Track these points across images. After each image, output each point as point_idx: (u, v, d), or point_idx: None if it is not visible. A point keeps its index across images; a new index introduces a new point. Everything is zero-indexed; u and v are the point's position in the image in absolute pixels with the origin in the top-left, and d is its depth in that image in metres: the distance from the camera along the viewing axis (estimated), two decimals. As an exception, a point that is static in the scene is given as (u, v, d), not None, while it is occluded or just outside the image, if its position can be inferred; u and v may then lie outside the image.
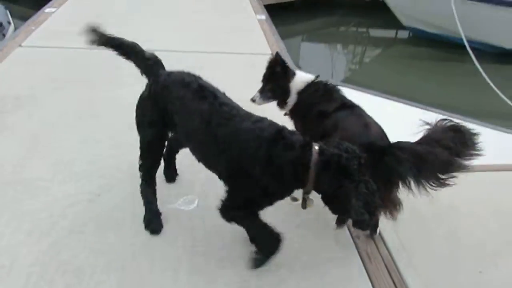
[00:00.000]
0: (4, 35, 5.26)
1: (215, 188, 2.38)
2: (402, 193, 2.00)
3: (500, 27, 6.97)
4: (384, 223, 2.29)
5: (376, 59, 8.28)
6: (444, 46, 7.33)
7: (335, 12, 9.37)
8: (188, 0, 6.32)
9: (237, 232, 2.12)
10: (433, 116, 3.50)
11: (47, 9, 5.27)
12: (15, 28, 5.61)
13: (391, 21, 8.07)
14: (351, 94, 3.75)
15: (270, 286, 1.89)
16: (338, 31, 9.37)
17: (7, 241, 2.00)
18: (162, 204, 2.29)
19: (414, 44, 8.15)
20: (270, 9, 6.80)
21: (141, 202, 2.29)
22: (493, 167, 2.88)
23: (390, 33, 8.99)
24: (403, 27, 8.19)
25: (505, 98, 4.76)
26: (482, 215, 2.46)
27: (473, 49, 6.03)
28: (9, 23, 5.61)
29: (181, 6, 6.01)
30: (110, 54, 4.28)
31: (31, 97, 3.27)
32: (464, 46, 6.02)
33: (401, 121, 3.46)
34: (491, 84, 4.98)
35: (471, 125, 3.40)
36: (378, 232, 2.22)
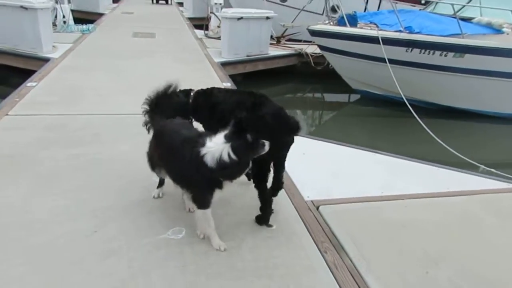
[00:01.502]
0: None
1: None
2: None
3: (435, 87, 8.11)
4: (346, 239, 2.72)
5: (332, 118, 9.15)
6: (390, 105, 8.31)
7: (291, 79, 10.41)
8: (158, 74, 6.93)
9: (221, 253, 2.48)
10: (381, 158, 4.13)
11: (28, 83, 5.68)
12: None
13: (346, 85, 9.11)
14: (311, 143, 4.37)
15: (254, 291, 2.22)
16: (296, 97, 10.31)
17: (15, 271, 2.23)
18: (153, 235, 2.61)
19: (364, 104, 9.13)
20: (235, 78, 7.58)
21: (135, 233, 2.60)
22: (433, 194, 3.44)
23: (344, 97, 10.01)
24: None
25: (440, 141, 5.52)
26: (426, 231, 2.92)
27: (413, 106, 6.94)
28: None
29: (155, 77, 6.60)
30: (87, 119, 4.75)
31: (22, 156, 3.55)
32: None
33: (354, 162, 4.04)
34: (429, 131, 5.78)
35: (412, 163, 4.05)
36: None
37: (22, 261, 2.30)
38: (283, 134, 2.57)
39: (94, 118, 4.59)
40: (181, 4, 20.29)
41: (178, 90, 2.97)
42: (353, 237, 2.73)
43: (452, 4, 8.05)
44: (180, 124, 2.70)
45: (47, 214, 2.75)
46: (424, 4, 12.06)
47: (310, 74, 10.20)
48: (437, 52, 7.59)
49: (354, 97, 9.58)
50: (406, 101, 6.91)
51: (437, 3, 9.83)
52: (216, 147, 2.23)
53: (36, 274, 2.23)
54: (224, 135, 2.26)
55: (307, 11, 10.72)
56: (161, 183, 3.00)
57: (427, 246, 2.74)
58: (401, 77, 7.47)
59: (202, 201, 2.43)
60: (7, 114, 4.49)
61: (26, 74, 6.67)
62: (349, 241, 2.70)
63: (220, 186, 2.34)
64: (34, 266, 2.28)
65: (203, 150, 2.25)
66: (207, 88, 3.04)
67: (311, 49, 10.08)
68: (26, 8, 7.30)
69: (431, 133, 5.76)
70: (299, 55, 10.32)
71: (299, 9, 10.70)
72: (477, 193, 3.55)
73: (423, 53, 7.64)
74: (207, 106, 2.90)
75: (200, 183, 2.35)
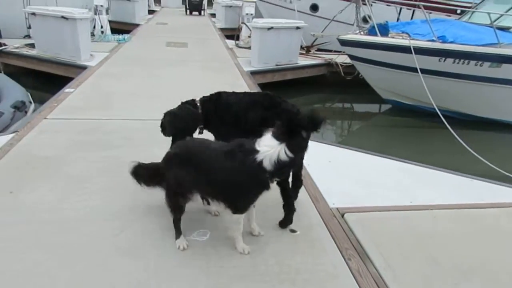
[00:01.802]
0: (26, 112, 5.87)
1: (223, 222, 2.80)
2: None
3: (469, 98, 7.86)
4: (371, 247, 2.66)
5: (361, 128, 9.04)
6: (421, 115, 8.12)
7: (320, 89, 10.36)
8: (188, 82, 7.11)
9: (245, 256, 2.50)
10: (410, 168, 4.02)
11: (66, 89, 5.96)
12: (34, 107, 6.26)
13: (376, 95, 8.99)
14: (337, 151, 4.32)
15: (275, 295, 2.22)
16: (324, 106, 10.24)
17: (43, 265, 2.33)
18: (178, 236, 2.66)
19: (394, 115, 8.97)
20: (263, 87, 7.65)
21: (161, 234, 2.66)
22: (464, 205, 3.33)
23: (374, 107, 9.85)
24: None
25: (473, 152, 5.33)
26: (456, 242, 2.82)
27: (446, 117, 6.76)
28: (30, 102, 6.27)
29: (186, 85, 6.77)
30: (120, 123, 4.89)
31: (58, 157, 3.72)
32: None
33: (381, 170, 3.96)
34: (462, 142, 5.60)
35: (443, 173, 3.91)
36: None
37: (50, 256, 2.41)
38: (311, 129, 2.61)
39: (126, 123, 4.74)
40: (213, 15, 20.73)
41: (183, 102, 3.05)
42: (378, 245, 2.68)
43: (489, 13, 7.83)
44: (201, 141, 2.65)
45: (77, 213, 2.86)
46: (459, 14, 11.77)
47: (339, 84, 10.13)
48: (472, 62, 7.38)
49: (385, 107, 9.44)
50: (438, 111, 6.73)
51: (473, 12, 9.59)
52: (272, 149, 2.23)
53: (62, 269, 2.31)
54: (274, 137, 2.26)
55: (337, 21, 10.69)
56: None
57: (456, 258, 2.64)
58: (434, 87, 7.31)
59: (244, 207, 2.44)
60: (45, 118, 4.72)
61: (63, 81, 7.00)
62: (374, 249, 2.64)
63: (268, 187, 2.36)
64: (61, 262, 2.37)
65: (259, 156, 2.23)
66: (212, 94, 3.06)
67: (341, 59, 10.03)
68: (66, 18, 7.69)
69: (464, 144, 5.58)
70: (329, 64, 10.29)
71: (329, 19, 10.70)
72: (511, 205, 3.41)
73: (457, 62, 7.44)
74: (219, 111, 2.93)
75: (252, 188, 2.35)
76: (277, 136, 2.25)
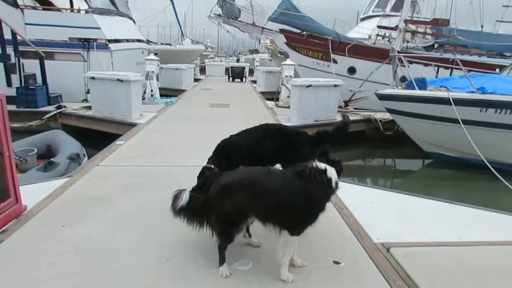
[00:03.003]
0: (80, 164, 6.30)
1: (265, 253, 2.79)
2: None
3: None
4: (421, 280, 2.53)
5: (403, 182, 8.78)
6: (467, 168, 7.84)
7: (360, 145, 10.32)
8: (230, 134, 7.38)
9: (288, 285, 2.46)
10: (458, 208, 3.85)
11: (117, 142, 6.39)
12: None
13: (417, 149, 8.83)
14: (380, 193, 4.25)
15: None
16: (365, 162, 10.15)
17: None
18: (221, 264, 2.67)
19: (438, 168, 8.69)
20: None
21: (204, 263, 2.69)
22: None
23: (416, 162, 9.62)
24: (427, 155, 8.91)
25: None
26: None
27: (494, 169, 6.51)
28: (84, 155, 6.75)
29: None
30: (165, 169, 5.08)
31: (108, 197, 3.93)
32: (485, 166, 6.56)
33: (427, 210, 3.82)
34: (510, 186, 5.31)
35: (495, 214, 3.71)
36: None
37: (101, 282, 2.50)
38: None
39: (172, 169, 4.96)
40: (254, 81, 21.83)
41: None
42: (429, 278, 2.55)
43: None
44: (251, 169, 2.68)
45: (126, 244, 2.98)
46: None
47: (379, 139, 10.10)
48: None
49: (427, 161, 9.21)
50: (484, 160, 6.51)
51: (512, 68, 9.54)
52: (332, 170, 2.45)
53: (114, 291, 2.39)
54: (323, 161, 2.48)
55: (373, 81, 10.91)
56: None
57: (515, 293, 2.45)
58: (476, 138, 7.14)
59: (306, 226, 2.47)
60: (97, 165, 5.05)
61: (114, 138, 7.49)
62: (425, 281, 2.51)
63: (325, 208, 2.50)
64: (110, 286, 2.46)
65: (328, 174, 2.43)
66: (216, 151, 3.40)
67: (380, 115, 10.11)
68: (121, 81, 8.46)
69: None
70: (368, 120, 10.37)
71: (367, 80, 10.96)
72: None
73: (499, 112, 7.30)
74: (234, 162, 3.08)
75: (321, 205, 2.46)
76: (325, 161, 2.47)
